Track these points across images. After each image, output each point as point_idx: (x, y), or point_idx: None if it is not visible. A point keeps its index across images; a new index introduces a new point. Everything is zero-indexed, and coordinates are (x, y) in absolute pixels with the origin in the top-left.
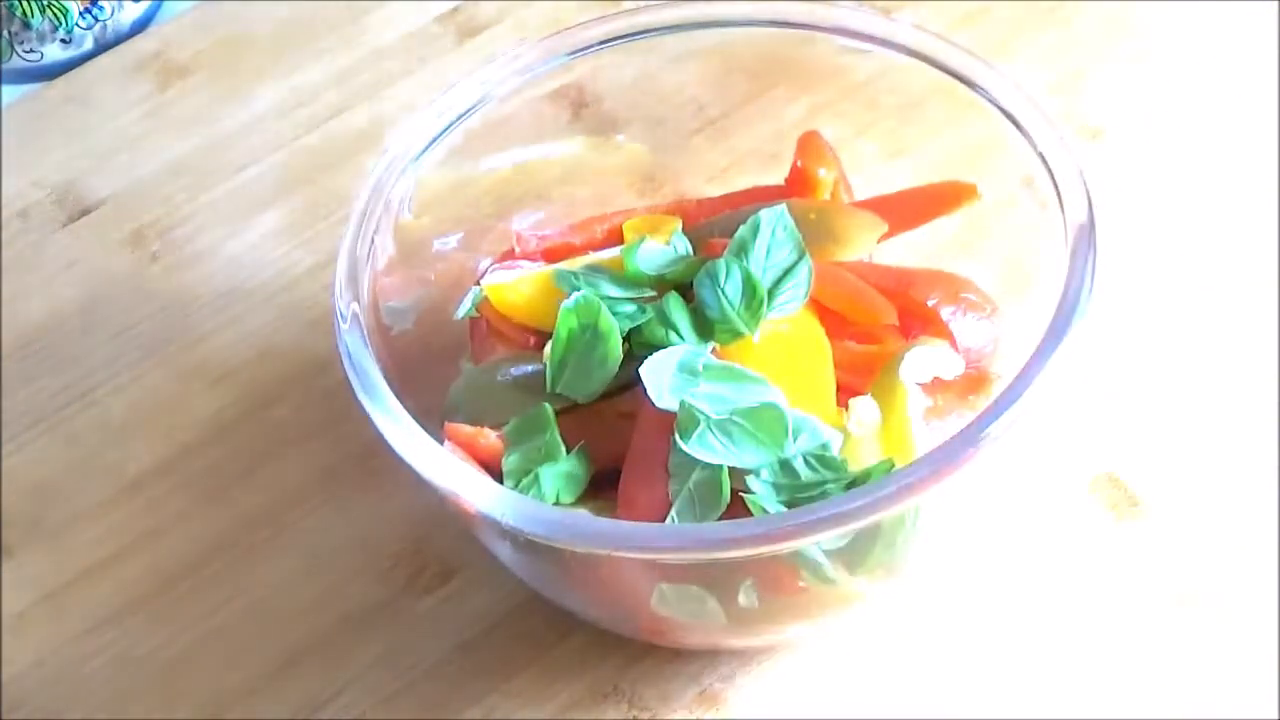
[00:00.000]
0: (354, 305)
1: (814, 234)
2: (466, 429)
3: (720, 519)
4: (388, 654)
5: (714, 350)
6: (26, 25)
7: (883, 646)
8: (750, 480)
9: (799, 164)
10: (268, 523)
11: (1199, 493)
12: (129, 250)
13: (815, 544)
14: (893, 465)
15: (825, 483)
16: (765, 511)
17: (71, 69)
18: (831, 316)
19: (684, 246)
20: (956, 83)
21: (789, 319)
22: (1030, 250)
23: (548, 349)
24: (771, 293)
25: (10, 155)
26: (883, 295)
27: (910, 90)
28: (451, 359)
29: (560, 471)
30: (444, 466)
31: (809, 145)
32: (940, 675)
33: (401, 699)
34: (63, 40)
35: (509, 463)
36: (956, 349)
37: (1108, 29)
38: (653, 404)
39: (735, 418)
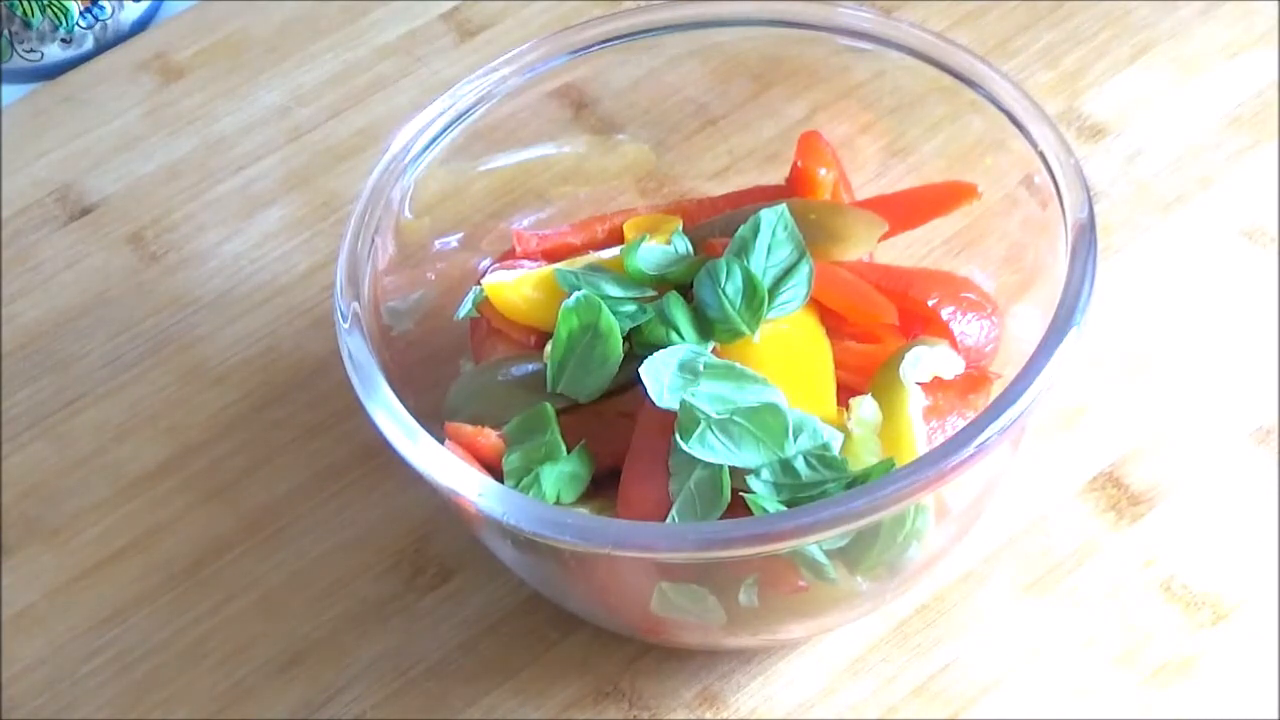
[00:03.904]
0: (354, 305)
1: (814, 234)
2: (467, 428)
3: (720, 518)
4: (388, 653)
5: (714, 350)
6: (27, 25)
7: (883, 646)
8: (750, 480)
9: (799, 164)
10: (268, 522)
11: (1199, 493)
12: (129, 250)
13: (815, 544)
14: (893, 465)
15: (825, 482)
16: (765, 511)
17: (71, 69)
18: (831, 316)
19: (684, 246)
20: (956, 82)
21: (789, 319)
22: (1030, 250)
23: (548, 349)
24: (772, 292)
25: (10, 155)
26: (883, 295)
27: (910, 90)
28: (451, 359)
29: (561, 471)
30: (445, 466)
31: (809, 145)
32: (941, 675)
33: (402, 698)
34: (63, 40)
35: (510, 462)
36: (956, 349)
37: (1108, 29)
38: (653, 403)
39: (736, 417)
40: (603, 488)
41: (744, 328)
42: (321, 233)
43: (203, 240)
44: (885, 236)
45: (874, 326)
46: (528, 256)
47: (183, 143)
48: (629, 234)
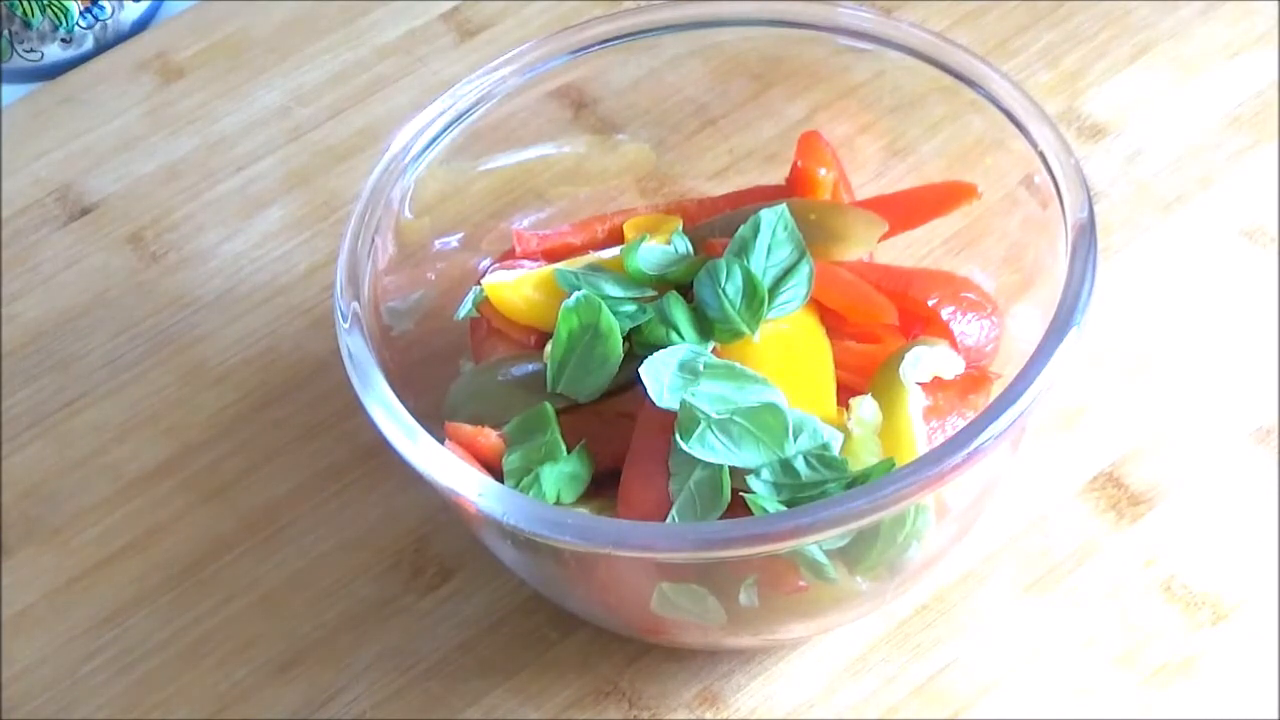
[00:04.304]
0: (354, 305)
1: (814, 234)
2: (467, 428)
3: (720, 518)
4: (388, 653)
5: (714, 350)
6: (27, 25)
7: (883, 646)
8: (750, 480)
9: (799, 164)
10: (268, 522)
11: (1199, 493)
12: (129, 250)
13: (815, 544)
14: (893, 465)
15: (825, 482)
16: (765, 511)
17: (71, 69)
18: (831, 316)
19: (684, 246)
20: (956, 82)
21: (789, 319)
22: (1030, 250)
23: (548, 348)
24: (772, 292)
25: (10, 155)
26: (883, 295)
27: (910, 90)
28: (451, 359)
29: (561, 471)
30: (445, 466)
31: (809, 145)
32: (941, 675)
33: (402, 698)
34: (63, 40)
35: (510, 462)
36: (956, 349)
37: (1108, 29)
38: (653, 403)
39: (736, 417)
40: (603, 488)
41: (744, 328)
42: (321, 233)
43: (203, 240)
44: (885, 236)
45: (874, 326)
46: (528, 256)
47: (183, 143)
48: (629, 234)
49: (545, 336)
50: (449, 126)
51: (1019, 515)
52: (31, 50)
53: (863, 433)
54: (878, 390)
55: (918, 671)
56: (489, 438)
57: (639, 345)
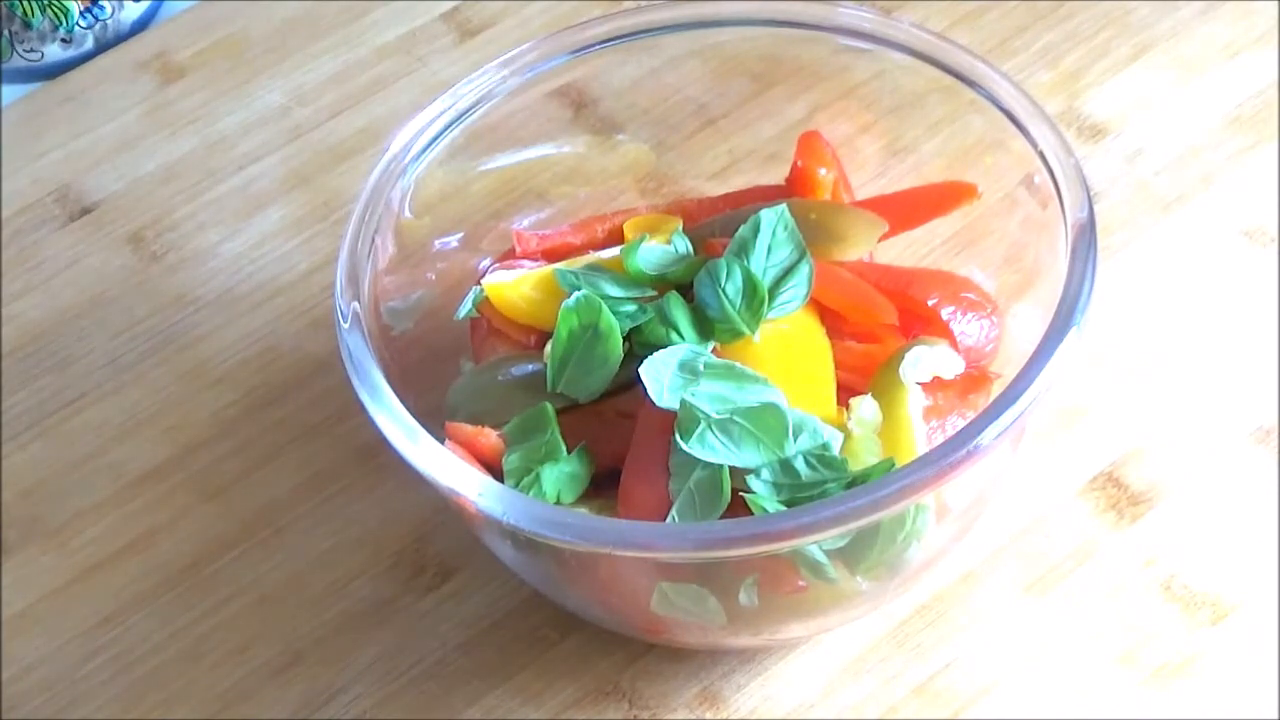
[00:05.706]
0: (354, 305)
1: (814, 234)
2: (467, 428)
3: (721, 518)
4: (388, 653)
5: (714, 350)
6: (27, 25)
7: (883, 646)
8: (750, 480)
9: (799, 164)
10: (268, 523)
11: (1199, 493)
12: (129, 250)
13: (815, 544)
14: (893, 465)
15: (825, 482)
16: (765, 511)
17: (71, 69)
18: (832, 316)
19: (684, 246)
20: (956, 82)
21: (789, 318)
22: (1030, 250)
23: (548, 348)
24: (772, 292)
25: (10, 155)
26: (883, 295)
27: (910, 90)
28: (451, 359)
29: (561, 471)
30: (445, 466)
31: (809, 145)
32: (941, 675)
33: (401, 698)
34: (63, 40)
35: (510, 462)
36: (956, 349)
37: (1108, 29)
38: (653, 403)
39: (736, 417)
40: (603, 488)
41: (744, 328)
42: (321, 233)
43: (203, 240)
44: (885, 236)
45: (874, 326)
46: (528, 256)
47: (183, 143)
48: (629, 234)
49: (545, 336)
50: (449, 126)
51: (1019, 515)
52: (31, 50)
53: (863, 433)
54: (878, 390)
55: (917, 671)
56: (489, 438)
57: (639, 345)
